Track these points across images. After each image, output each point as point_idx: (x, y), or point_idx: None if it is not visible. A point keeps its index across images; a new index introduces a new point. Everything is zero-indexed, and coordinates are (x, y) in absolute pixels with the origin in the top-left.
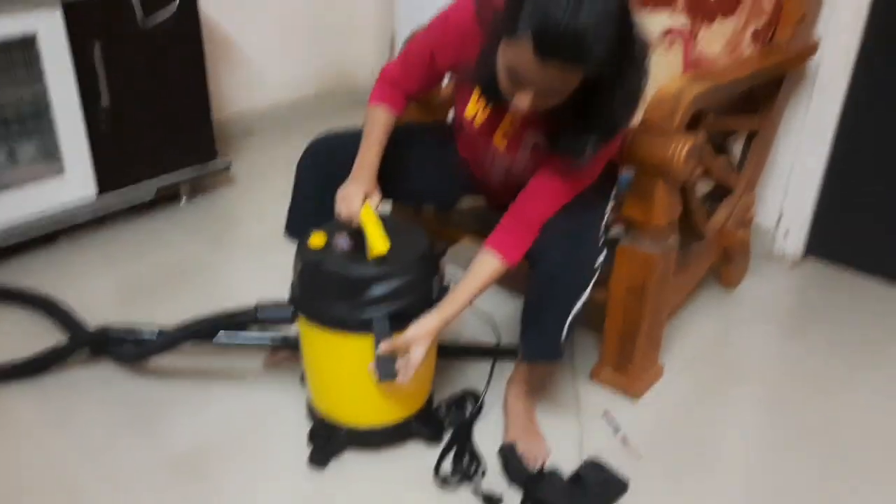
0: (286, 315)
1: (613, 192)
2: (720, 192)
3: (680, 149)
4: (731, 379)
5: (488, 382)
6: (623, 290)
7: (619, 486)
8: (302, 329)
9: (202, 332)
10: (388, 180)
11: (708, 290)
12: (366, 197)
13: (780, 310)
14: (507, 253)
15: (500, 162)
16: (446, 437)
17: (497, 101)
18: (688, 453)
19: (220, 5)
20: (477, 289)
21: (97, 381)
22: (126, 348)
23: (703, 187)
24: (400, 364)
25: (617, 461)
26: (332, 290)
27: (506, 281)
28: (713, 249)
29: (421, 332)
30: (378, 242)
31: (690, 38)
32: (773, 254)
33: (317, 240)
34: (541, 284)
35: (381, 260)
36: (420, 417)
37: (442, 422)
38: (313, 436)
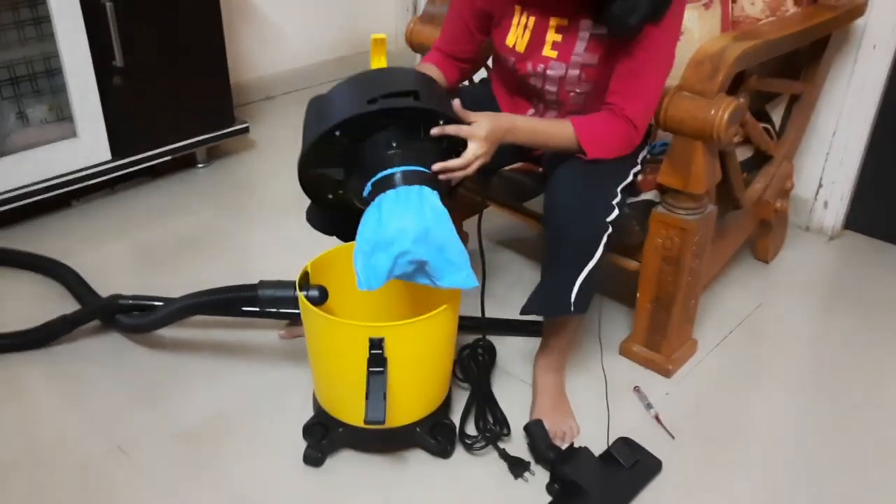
0: (289, 295)
1: (640, 157)
2: (758, 160)
3: (722, 111)
4: (767, 355)
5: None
6: (658, 259)
7: (653, 467)
8: (303, 312)
9: (208, 305)
10: None
11: (742, 263)
12: None
13: (818, 284)
14: (583, 133)
15: (553, 73)
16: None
17: None
18: (724, 433)
19: None
20: (545, 133)
21: (108, 351)
22: (131, 319)
23: (740, 155)
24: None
25: (649, 440)
26: None
27: (534, 254)
28: (750, 220)
29: (485, 131)
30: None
31: None
32: (811, 226)
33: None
34: (551, 239)
35: None
36: (427, 425)
37: (453, 437)
38: (307, 432)
